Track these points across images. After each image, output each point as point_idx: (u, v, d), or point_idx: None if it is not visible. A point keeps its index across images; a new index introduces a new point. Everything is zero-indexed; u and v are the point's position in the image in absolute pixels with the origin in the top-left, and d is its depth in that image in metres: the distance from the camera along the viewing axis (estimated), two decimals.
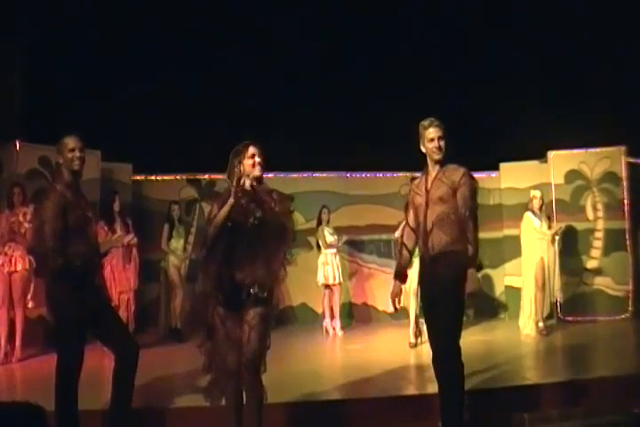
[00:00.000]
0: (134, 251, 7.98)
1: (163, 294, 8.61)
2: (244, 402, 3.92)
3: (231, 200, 3.85)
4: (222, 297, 3.87)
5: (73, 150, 4.09)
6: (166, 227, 8.47)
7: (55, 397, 3.97)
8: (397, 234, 7.24)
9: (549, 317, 8.70)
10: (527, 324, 8.06)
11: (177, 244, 8.45)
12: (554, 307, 8.84)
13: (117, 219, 7.84)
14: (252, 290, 3.86)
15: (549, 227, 8.19)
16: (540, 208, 8.17)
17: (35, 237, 6.36)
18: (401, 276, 4.45)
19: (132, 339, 4.35)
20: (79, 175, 4.18)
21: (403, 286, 4.50)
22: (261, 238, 3.91)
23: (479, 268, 4.20)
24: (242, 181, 3.95)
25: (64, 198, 4.01)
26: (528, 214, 8.11)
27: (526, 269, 8.13)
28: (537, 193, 8.20)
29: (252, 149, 3.99)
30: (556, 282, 8.28)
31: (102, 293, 4.38)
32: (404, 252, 4.46)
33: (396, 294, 4.39)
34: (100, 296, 4.27)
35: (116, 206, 7.87)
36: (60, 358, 4.03)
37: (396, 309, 4.42)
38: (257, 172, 3.97)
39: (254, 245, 3.89)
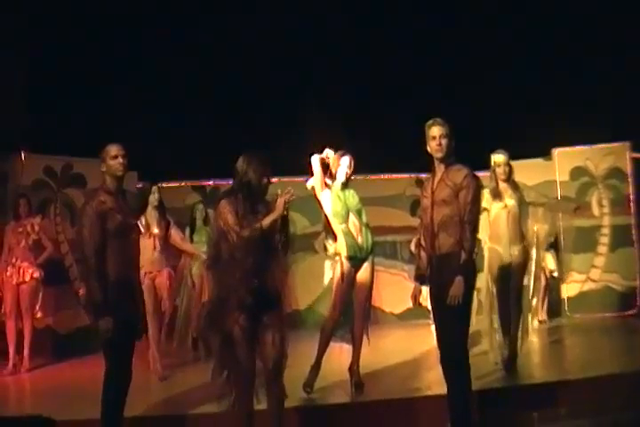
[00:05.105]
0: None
1: (186, 301, 7.59)
2: (267, 405, 3.97)
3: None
4: (248, 303, 3.87)
5: (116, 157, 4.24)
6: (187, 230, 7.57)
7: (102, 408, 4.01)
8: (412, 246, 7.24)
9: (555, 315, 8.71)
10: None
11: (198, 248, 7.21)
12: (562, 304, 8.85)
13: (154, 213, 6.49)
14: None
15: (505, 206, 5.81)
16: (508, 179, 5.91)
17: (75, 244, 6.41)
18: (421, 278, 4.49)
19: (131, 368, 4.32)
20: (121, 181, 4.30)
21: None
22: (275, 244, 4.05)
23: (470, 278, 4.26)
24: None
25: (103, 205, 4.11)
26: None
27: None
28: (498, 157, 5.96)
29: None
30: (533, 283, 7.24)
31: (139, 305, 4.35)
32: (423, 254, 4.45)
33: (415, 296, 4.52)
34: (137, 309, 4.27)
35: (154, 200, 6.48)
36: (108, 368, 4.07)
37: (419, 304, 4.66)
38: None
39: (274, 251, 4.03)
